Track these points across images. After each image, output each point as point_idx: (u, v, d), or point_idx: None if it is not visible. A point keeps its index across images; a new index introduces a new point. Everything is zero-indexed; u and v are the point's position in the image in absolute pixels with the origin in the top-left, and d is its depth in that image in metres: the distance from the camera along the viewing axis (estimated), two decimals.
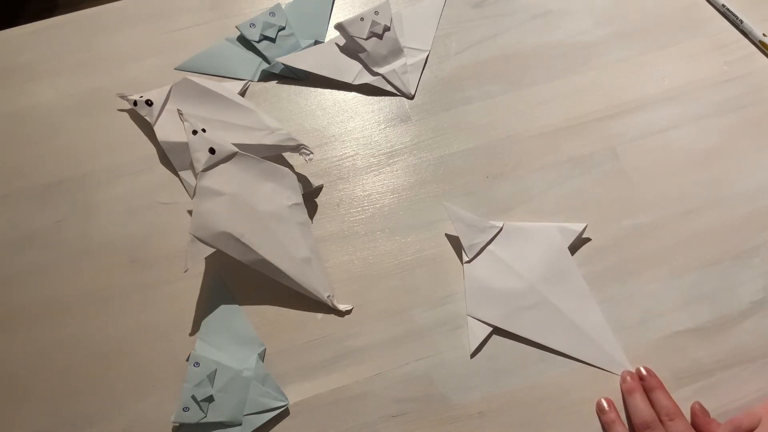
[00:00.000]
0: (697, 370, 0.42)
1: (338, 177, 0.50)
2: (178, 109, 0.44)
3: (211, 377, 0.41)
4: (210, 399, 0.41)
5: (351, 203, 0.49)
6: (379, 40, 0.53)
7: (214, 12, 0.57)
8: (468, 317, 0.44)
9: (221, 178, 0.43)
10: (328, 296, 0.44)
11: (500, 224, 0.46)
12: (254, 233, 0.43)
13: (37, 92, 0.54)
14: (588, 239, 0.47)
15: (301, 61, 0.53)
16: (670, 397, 0.40)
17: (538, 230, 0.46)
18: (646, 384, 0.41)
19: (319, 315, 0.45)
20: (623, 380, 0.42)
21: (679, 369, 0.42)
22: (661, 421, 0.39)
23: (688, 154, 0.50)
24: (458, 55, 0.55)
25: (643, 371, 0.42)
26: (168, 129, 0.50)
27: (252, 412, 0.41)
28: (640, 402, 0.40)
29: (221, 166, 0.44)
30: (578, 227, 0.45)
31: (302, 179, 0.49)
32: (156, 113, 0.50)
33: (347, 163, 0.51)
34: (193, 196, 0.46)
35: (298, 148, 0.46)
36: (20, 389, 0.44)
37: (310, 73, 0.53)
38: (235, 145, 0.44)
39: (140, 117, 0.52)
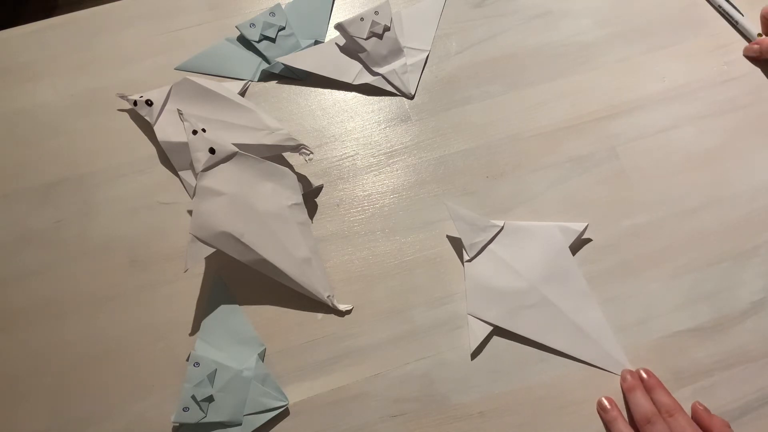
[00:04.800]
0: (697, 370, 0.42)
1: (338, 177, 0.50)
2: (178, 109, 0.44)
3: (211, 377, 0.41)
4: (210, 399, 0.41)
5: (351, 203, 0.49)
6: (379, 40, 0.53)
7: (214, 12, 0.57)
8: (468, 316, 0.44)
9: (221, 178, 0.43)
10: (328, 296, 0.44)
11: (501, 223, 0.46)
12: (254, 233, 0.43)
13: (37, 92, 0.54)
14: (588, 239, 0.47)
15: (301, 61, 0.53)
16: (670, 395, 0.40)
17: (539, 229, 0.46)
18: (645, 384, 0.41)
19: (319, 315, 0.45)
20: (623, 379, 0.42)
21: (679, 369, 0.43)
22: (661, 416, 0.40)
23: (688, 154, 0.50)
24: (458, 55, 0.55)
25: (644, 374, 0.42)
26: (168, 129, 0.50)
27: (252, 412, 0.41)
28: (641, 398, 0.40)
29: (221, 166, 0.44)
30: (579, 227, 0.45)
31: (302, 179, 0.49)
32: (156, 113, 0.50)
33: (347, 163, 0.51)
34: (193, 196, 0.46)
35: (298, 148, 0.46)
36: (20, 389, 0.44)
37: (310, 73, 0.53)
38: (235, 145, 0.44)
39: (140, 117, 0.52)
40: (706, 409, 0.41)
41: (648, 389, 0.41)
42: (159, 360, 0.44)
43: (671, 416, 0.39)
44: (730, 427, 0.40)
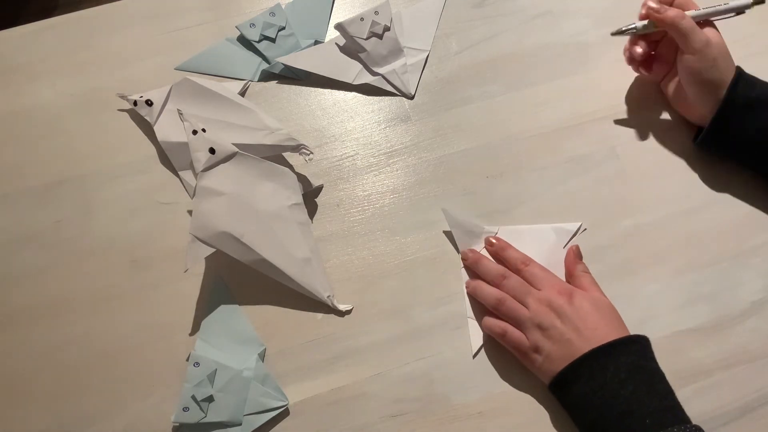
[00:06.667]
0: (697, 370, 0.42)
1: (338, 177, 0.50)
2: (178, 109, 0.44)
3: (211, 377, 0.41)
4: (210, 399, 0.41)
5: (351, 203, 0.49)
6: (379, 40, 0.53)
7: (214, 12, 0.57)
8: (468, 319, 0.44)
9: (221, 178, 0.43)
10: (328, 296, 0.44)
11: (496, 229, 0.46)
12: (254, 233, 0.43)
13: (37, 92, 0.54)
14: (588, 237, 0.47)
15: (301, 61, 0.53)
16: (519, 251, 0.43)
17: (533, 232, 0.46)
18: (494, 249, 0.44)
19: (319, 315, 0.45)
20: (465, 257, 0.44)
21: (679, 369, 0.42)
22: (517, 270, 0.42)
23: (688, 154, 0.50)
24: (458, 55, 0.55)
25: (492, 240, 0.44)
26: (168, 129, 0.50)
27: (252, 412, 0.41)
28: (488, 264, 0.43)
29: (221, 166, 0.44)
30: (573, 227, 0.46)
31: (302, 179, 0.49)
32: (156, 113, 0.50)
33: (347, 163, 0.51)
34: (193, 196, 0.46)
35: (298, 148, 0.46)
36: (20, 389, 0.44)
37: (310, 73, 0.53)
38: (235, 145, 0.44)
39: (140, 117, 0.52)
40: (577, 252, 0.43)
41: (498, 253, 0.44)
42: (159, 360, 0.44)
43: (526, 266, 0.42)
44: (589, 272, 0.42)
